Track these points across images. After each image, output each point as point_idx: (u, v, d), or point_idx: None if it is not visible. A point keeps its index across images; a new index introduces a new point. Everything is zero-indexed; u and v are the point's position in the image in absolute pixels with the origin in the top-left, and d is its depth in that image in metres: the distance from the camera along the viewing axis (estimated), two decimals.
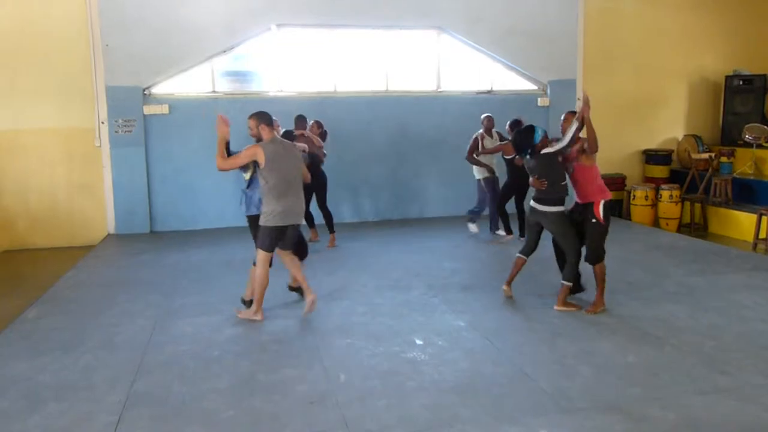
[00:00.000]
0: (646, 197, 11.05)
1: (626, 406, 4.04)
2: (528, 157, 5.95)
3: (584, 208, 5.88)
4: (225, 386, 4.43)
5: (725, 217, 10.50)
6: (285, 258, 5.88)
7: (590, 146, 5.74)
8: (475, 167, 9.06)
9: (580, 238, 5.90)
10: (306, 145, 8.07)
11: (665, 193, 10.93)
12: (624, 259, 7.83)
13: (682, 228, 10.89)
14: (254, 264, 5.75)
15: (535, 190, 6.02)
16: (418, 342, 5.22)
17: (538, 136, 5.84)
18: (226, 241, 9.12)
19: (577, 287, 6.20)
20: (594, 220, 5.79)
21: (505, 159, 8.69)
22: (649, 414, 3.93)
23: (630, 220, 11.13)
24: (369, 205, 10.91)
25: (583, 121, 5.72)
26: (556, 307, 5.94)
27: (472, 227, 9.36)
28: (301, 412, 4.03)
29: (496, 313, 5.93)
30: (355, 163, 10.60)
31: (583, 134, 5.84)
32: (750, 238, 9.45)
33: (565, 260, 6.01)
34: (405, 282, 6.98)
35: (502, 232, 9.03)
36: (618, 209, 11.57)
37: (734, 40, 12.38)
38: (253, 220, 5.84)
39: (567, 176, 5.94)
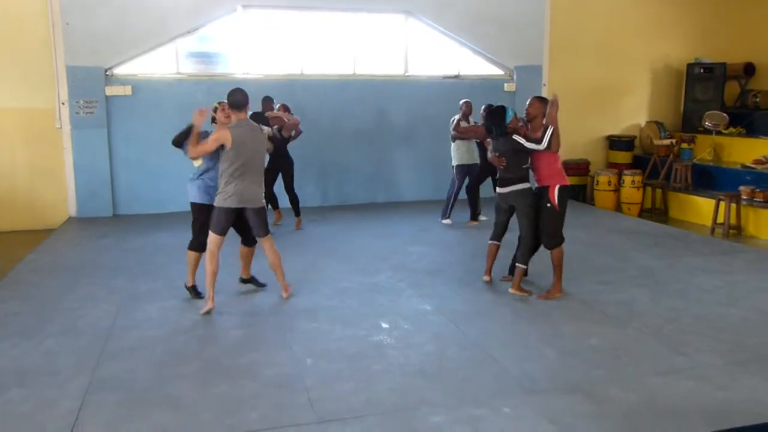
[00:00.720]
0: (609, 182, 11.23)
1: (589, 387, 4.13)
2: (496, 135, 5.98)
3: (540, 192, 5.92)
4: (191, 371, 4.41)
5: (685, 202, 10.74)
6: (267, 245, 5.77)
7: (553, 146, 5.72)
8: (453, 152, 9.01)
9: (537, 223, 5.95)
10: (270, 129, 7.94)
11: (628, 179, 11.11)
12: (587, 244, 7.97)
13: (644, 213, 11.10)
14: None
15: (500, 175, 6.06)
16: (385, 326, 5.25)
17: (509, 117, 5.88)
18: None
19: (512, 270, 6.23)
20: (549, 205, 5.81)
21: (477, 144, 8.75)
22: (611, 395, 4.03)
23: (594, 205, 11.30)
24: (336, 189, 10.89)
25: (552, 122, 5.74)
26: (510, 290, 6.00)
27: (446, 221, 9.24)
28: (267, 396, 4.03)
29: (462, 297, 5.99)
30: (322, 147, 10.54)
31: None
32: (709, 222, 9.68)
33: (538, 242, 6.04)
34: (372, 266, 7.00)
35: (448, 221, 9.12)
36: (582, 194, 11.75)
37: (696, 28, 12.59)
38: (199, 208, 5.79)
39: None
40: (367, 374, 4.35)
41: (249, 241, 6.00)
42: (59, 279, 6.60)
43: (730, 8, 12.64)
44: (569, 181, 6.07)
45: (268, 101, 8.67)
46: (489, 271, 6.37)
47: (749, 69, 12.25)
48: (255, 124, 5.70)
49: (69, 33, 9.39)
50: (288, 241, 8.10)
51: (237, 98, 5.45)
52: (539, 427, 3.66)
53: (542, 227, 5.90)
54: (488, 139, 7.91)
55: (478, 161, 8.89)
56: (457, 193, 9.05)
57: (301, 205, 8.96)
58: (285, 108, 8.73)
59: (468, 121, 8.97)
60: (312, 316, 5.48)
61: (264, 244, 5.76)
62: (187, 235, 5.95)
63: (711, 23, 12.63)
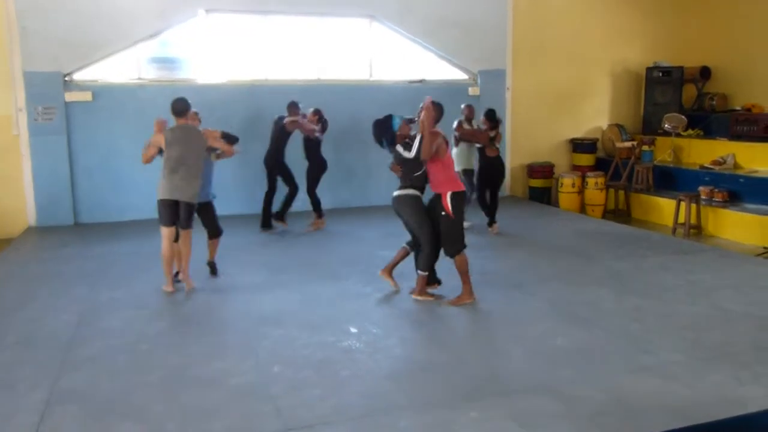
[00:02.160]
0: (573, 185, 11.38)
1: (557, 387, 4.16)
2: (387, 146, 5.94)
3: (434, 200, 5.86)
4: (155, 380, 4.32)
5: (647, 203, 10.93)
6: (183, 236, 6.21)
7: (423, 154, 5.64)
8: (455, 157, 8.37)
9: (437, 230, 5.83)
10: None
11: (591, 181, 11.28)
12: (552, 245, 8.05)
13: (607, 214, 11.26)
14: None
15: (399, 181, 5.98)
16: (353, 330, 5.21)
17: (396, 125, 5.86)
18: (156, 232, 8.75)
19: (432, 278, 6.07)
20: (443, 213, 5.73)
21: (478, 149, 8.75)
22: (579, 394, 4.05)
23: (558, 207, 11.43)
24: (301, 195, 10.80)
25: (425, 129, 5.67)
26: (413, 296, 5.94)
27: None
28: (233, 406, 3.97)
29: (430, 301, 5.97)
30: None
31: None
32: (670, 222, 9.86)
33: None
34: (339, 271, 6.95)
35: (468, 224, 8.20)
36: (547, 197, 11.87)
37: (654, 33, 12.84)
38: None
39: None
40: (335, 380, 4.31)
41: (210, 233, 6.74)
42: (18, 289, 6.42)
43: (687, 13, 12.93)
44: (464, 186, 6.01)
45: (293, 107, 8.74)
46: (389, 270, 6.23)
47: (705, 72, 12.53)
48: (192, 127, 6.35)
49: (26, 37, 9.16)
50: (255, 246, 8.03)
51: (176, 106, 6.25)
52: (508, 429, 3.66)
53: (442, 235, 5.80)
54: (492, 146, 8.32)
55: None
56: (470, 196, 8.51)
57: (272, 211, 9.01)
58: (316, 113, 8.89)
59: (471, 125, 8.91)
60: (279, 322, 5.42)
61: (183, 235, 6.22)
62: (153, 242, 6.09)
63: (669, 28, 12.90)
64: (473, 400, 3.99)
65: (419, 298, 5.91)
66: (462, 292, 5.83)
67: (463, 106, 9.06)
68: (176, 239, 6.23)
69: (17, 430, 3.69)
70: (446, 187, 5.73)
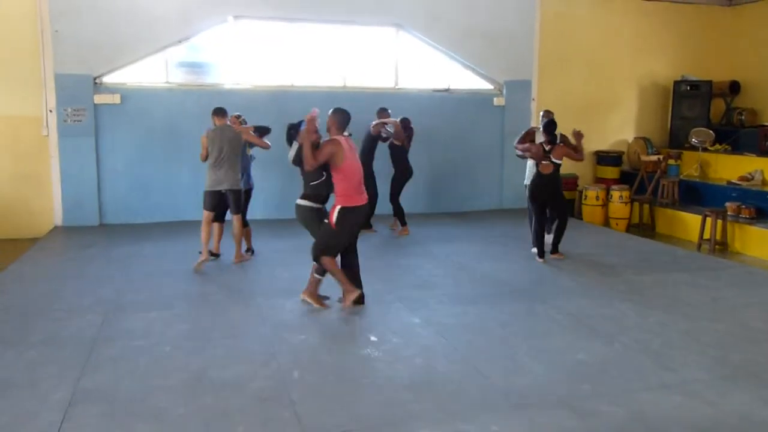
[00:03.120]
0: (597, 197, 11.29)
1: (576, 402, 4.12)
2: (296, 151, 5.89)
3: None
4: (176, 383, 4.35)
5: (672, 217, 10.80)
6: (235, 221, 7.38)
7: (305, 162, 5.63)
8: (527, 171, 8.39)
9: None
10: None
11: (615, 194, 11.18)
12: (575, 259, 7.98)
13: (631, 228, 11.16)
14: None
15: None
16: (373, 339, 5.21)
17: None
18: (180, 235, 8.96)
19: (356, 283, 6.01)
20: (326, 221, 5.79)
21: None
22: (598, 410, 4.01)
23: (581, 219, 11.34)
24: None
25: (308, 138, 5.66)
26: (301, 296, 5.98)
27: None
28: (253, 410, 3.99)
29: (451, 310, 5.96)
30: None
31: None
32: (695, 238, 9.74)
33: None
34: (361, 278, 6.95)
35: (540, 259, 7.79)
36: (570, 209, 11.78)
37: (683, 47, 12.74)
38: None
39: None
40: (354, 388, 4.31)
41: (218, 217, 7.51)
42: (43, 289, 6.52)
43: (716, 27, 12.82)
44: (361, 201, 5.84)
45: (382, 111, 8.95)
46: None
47: (734, 87, 12.40)
48: (228, 126, 7.33)
49: (58, 40, 9.35)
50: (276, 253, 8.08)
51: (215, 110, 7.44)
52: None
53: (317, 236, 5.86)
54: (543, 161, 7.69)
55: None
56: (530, 218, 8.15)
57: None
58: (403, 121, 9.02)
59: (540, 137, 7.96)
60: (299, 328, 5.44)
61: (235, 219, 7.38)
62: (176, 245, 6.14)
63: (697, 42, 12.79)
64: (492, 413, 3.97)
65: (305, 298, 5.95)
66: (343, 293, 5.89)
67: (542, 111, 8.77)
68: (215, 219, 7.39)
69: (42, 428, 3.73)
70: (340, 200, 5.71)
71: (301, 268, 6.55)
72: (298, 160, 5.80)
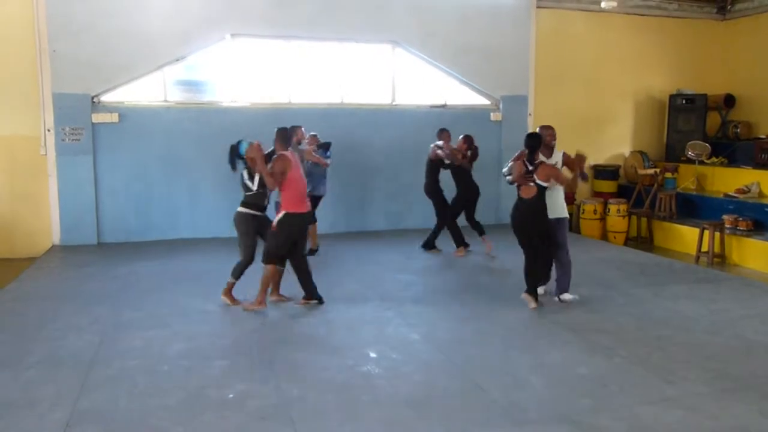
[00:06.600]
0: (595, 211, 11.32)
1: (577, 416, 4.10)
2: (236, 168, 6.52)
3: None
4: (175, 402, 4.33)
5: (670, 230, 10.82)
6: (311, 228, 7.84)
7: (268, 185, 6.24)
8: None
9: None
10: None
11: (613, 208, 11.21)
12: (574, 272, 7.95)
13: (629, 241, 11.17)
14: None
15: None
16: (373, 355, 5.20)
17: (242, 149, 6.35)
18: (178, 253, 8.95)
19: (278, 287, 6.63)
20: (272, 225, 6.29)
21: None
22: (599, 424, 4.00)
23: (579, 233, 11.35)
24: (321, 217, 10.84)
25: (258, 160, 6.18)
26: (221, 296, 6.50)
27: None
28: (252, 429, 3.96)
29: (450, 326, 5.96)
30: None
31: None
32: (693, 251, 9.75)
33: None
34: (359, 294, 6.96)
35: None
36: (568, 223, 11.78)
37: (677, 61, 12.83)
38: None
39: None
40: (354, 405, 4.30)
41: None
42: (41, 308, 6.49)
43: (710, 41, 12.92)
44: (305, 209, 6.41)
45: (443, 132, 8.89)
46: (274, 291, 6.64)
47: (729, 100, 12.47)
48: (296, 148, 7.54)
49: (56, 60, 9.39)
50: None
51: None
52: None
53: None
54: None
55: (564, 214, 6.86)
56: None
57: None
58: (465, 140, 8.86)
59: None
60: (299, 345, 5.42)
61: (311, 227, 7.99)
62: (175, 263, 6.07)
63: (692, 56, 12.89)
64: (493, 429, 3.95)
65: (225, 299, 6.48)
66: (256, 298, 6.31)
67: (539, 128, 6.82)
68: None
69: None
70: (285, 206, 6.25)
71: (294, 286, 6.55)
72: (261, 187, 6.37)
